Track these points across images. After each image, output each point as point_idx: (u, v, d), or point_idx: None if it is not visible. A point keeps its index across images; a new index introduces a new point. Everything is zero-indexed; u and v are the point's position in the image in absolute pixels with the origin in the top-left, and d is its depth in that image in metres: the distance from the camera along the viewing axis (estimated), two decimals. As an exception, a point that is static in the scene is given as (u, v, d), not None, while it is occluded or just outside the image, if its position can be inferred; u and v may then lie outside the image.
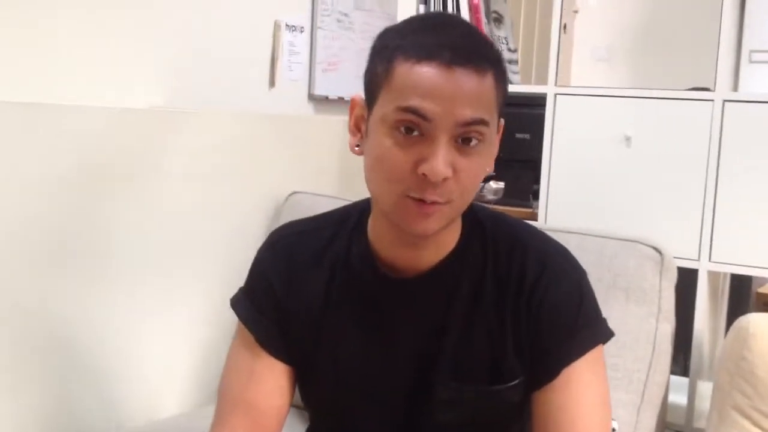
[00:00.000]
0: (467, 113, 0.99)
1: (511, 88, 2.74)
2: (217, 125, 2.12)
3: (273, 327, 1.15)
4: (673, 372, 2.15)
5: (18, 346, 1.73)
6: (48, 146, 1.74)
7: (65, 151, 1.77)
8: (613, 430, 1.58)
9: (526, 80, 3.02)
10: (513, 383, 1.10)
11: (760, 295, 2.32)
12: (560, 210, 2.23)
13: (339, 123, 2.47)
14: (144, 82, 1.97)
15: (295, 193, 2.28)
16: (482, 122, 1.00)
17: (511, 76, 2.67)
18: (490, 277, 1.11)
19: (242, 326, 1.18)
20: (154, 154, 1.96)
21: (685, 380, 2.12)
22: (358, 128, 1.09)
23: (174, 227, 2.02)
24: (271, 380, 1.15)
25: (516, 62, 2.70)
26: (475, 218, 1.14)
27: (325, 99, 2.49)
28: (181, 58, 2.05)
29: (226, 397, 1.17)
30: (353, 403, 1.15)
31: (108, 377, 1.91)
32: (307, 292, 1.15)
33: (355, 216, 1.18)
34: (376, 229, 1.13)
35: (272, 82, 2.32)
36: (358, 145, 1.09)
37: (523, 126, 2.42)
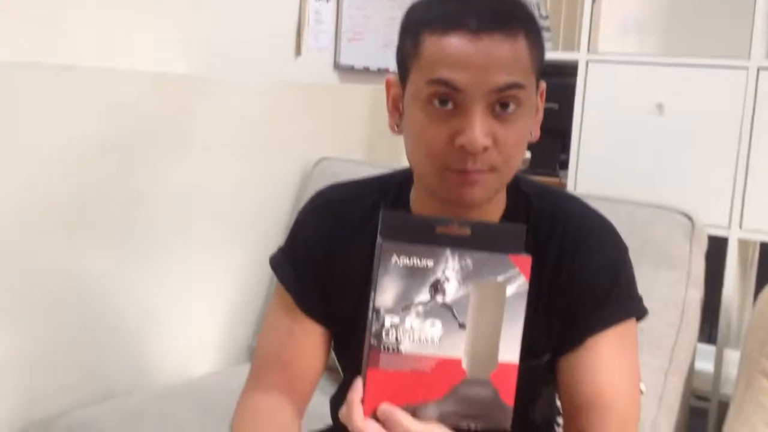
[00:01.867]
0: (500, 79, 0.97)
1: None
2: (246, 93, 2.14)
3: (313, 291, 1.16)
4: (700, 340, 2.15)
5: (53, 309, 1.78)
6: (79, 109, 1.77)
7: (97, 114, 1.80)
8: (641, 392, 1.59)
9: (553, 48, 2.99)
10: (543, 360, 1.10)
11: None
12: (590, 178, 2.23)
13: (365, 91, 2.48)
14: (173, 48, 1.99)
15: (323, 159, 2.30)
16: (517, 86, 0.99)
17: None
18: (531, 249, 1.10)
19: (281, 288, 1.18)
20: (185, 120, 1.99)
21: (712, 348, 2.12)
22: (396, 108, 1.08)
23: (204, 192, 2.05)
24: (308, 342, 1.16)
25: (548, 29, 2.68)
26: (520, 190, 1.13)
27: (351, 69, 2.49)
28: (208, 25, 2.06)
29: (263, 356, 1.18)
30: None
31: (141, 338, 1.95)
32: (350, 260, 1.15)
33: (395, 187, 1.17)
34: (419, 201, 1.12)
35: (298, 51, 2.33)
36: (397, 125, 1.08)
37: (550, 95, 2.38)
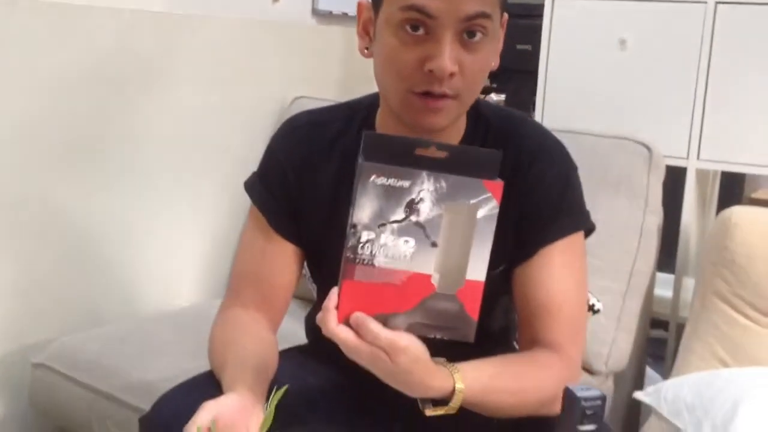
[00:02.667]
0: (470, 7, 1.02)
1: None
2: (226, 31, 2.19)
3: (285, 211, 1.22)
4: (662, 270, 2.25)
5: (37, 241, 1.84)
6: (62, 45, 1.81)
7: (79, 50, 1.84)
8: (598, 310, 1.69)
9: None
10: (498, 270, 1.16)
11: (752, 200, 2.38)
12: (557, 114, 2.30)
13: (342, 33, 2.53)
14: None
15: (299, 97, 2.35)
16: (485, 15, 1.04)
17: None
18: None
19: (255, 209, 1.25)
20: (164, 57, 2.03)
21: (672, 276, 2.22)
22: (366, 32, 1.13)
23: (184, 127, 2.11)
24: (282, 260, 1.23)
25: (515, -32, 2.71)
26: (479, 113, 1.19)
27: (329, 14, 2.52)
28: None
29: (240, 273, 1.26)
30: None
31: (124, 268, 2.02)
32: (319, 180, 1.21)
33: (363, 111, 1.23)
34: (384, 124, 1.19)
35: None
36: (367, 48, 1.14)
37: (524, 37, 2.43)
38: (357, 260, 0.93)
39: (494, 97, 2.74)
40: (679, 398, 1.44)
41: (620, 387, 1.87)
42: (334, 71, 2.55)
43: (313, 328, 1.41)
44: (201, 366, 1.19)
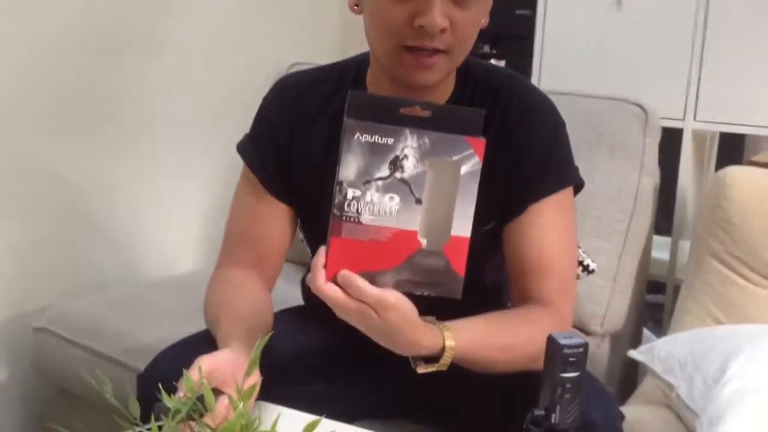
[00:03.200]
0: None
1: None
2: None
3: (276, 171, 1.24)
4: (659, 233, 2.26)
5: (38, 207, 1.86)
6: (59, 8, 1.80)
7: (77, 13, 1.84)
8: (592, 270, 1.70)
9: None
10: (487, 228, 1.18)
11: (752, 163, 2.35)
12: (554, 77, 2.29)
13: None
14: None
15: (296, 63, 2.35)
16: None
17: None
18: None
19: (247, 170, 1.26)
20: (161, 22, 2.04)
21: (669, 239, 2.23)
22: None
23: (182, 93, 2.11)
24: (274, 219, 1.25)
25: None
26: (468, 71, 1.20)
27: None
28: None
29: (233, 233, 1.27)
30: None
31: (126, 234, 2.04)
32: (310, 141, 1.23)
33: (354, 69, 1.24)
34: (375, 81, 1.19)
35: None
36: (357, 5, 1.14)
37: (523, 2, 2.43)
38: (344, 217, 0.95)
39: (494, 63, 2.74)
40: (672, 355, 1.45)
41: (617, 349, 1.89)
42: (331, 36, 2.55)
43: (308, 290, 1.42)
44: (201, 329, 1.21)
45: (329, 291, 0.96)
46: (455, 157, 0.94)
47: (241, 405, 0.86)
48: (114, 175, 1.99)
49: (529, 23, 2.38)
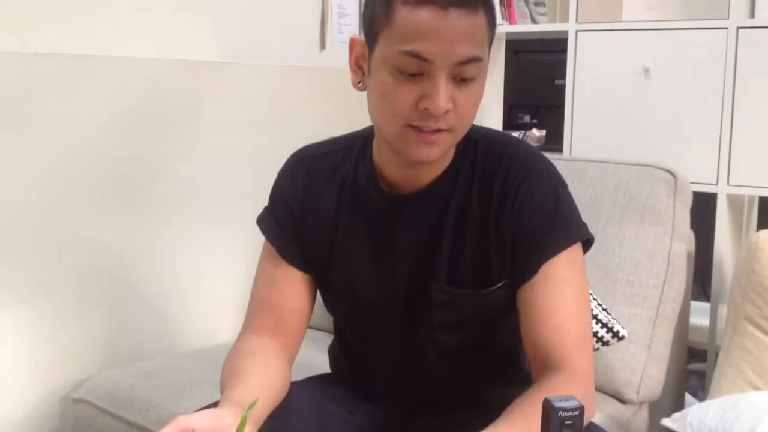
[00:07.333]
0: (464, 51, 1.08)
1: (533, 28, 2.78)
2: (260, 78, 2.26)
3: (291, 239, 1.29)
4: (698, 299, 2.23)
5: (82, 275, 1.92)
6: (96, 93, 1.89)
7: (113, 98, 1.93)
8: (622, 336, 1.69)
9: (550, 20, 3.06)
10: (497, 286, 1.20)
11: None
12: (585, 144, 2.31)
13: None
14: (199, 36, 2.13)
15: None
16: (477, 59, 1.10)
17: (537, 17, 2.73)
18: (477, 190, 1.21)
19: (266, 241, 1.32)
20: (202, 103, 2.12)
21: (708, 305, 2.19)
22: (359, 66, 1.19)
23: (222, 170, 2.18)
24: (291, 285, 1.28)
25: (543, 4, 2.75)
26: (468, 136, 1.22)
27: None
28: (235, 14, 2.19)
29: (254, 301, 1.31)
30: (363, 304, 1.28)
31: (165, 306, 2.09)
32: (321, 208, 1.28)
33: (360, 141, 1.29)
34: (379, 153, 1.24)
35: (323, 45, 2.43)
36: (360, 82, 1.19)
37: (558, 72, 2.47)
38: None
39: (536, 133, 2.78)
40: (703, 423, 1.42)
41: (657, 417, 1.85)
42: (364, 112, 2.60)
43: (335, 358, 1.44)
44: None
45: None
46: None
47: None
48: (154, 247, 2.05)
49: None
